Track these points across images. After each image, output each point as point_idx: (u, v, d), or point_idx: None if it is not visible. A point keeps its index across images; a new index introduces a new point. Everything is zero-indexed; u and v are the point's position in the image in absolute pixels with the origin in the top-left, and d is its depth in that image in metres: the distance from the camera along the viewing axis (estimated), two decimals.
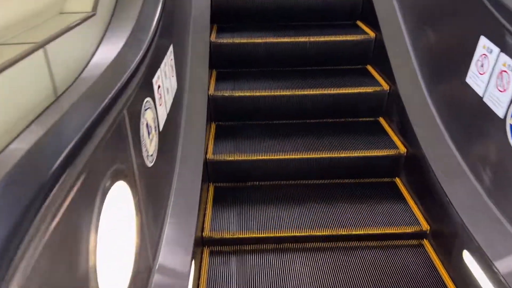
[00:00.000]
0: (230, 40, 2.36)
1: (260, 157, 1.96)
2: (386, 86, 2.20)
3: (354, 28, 2.54)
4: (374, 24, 2.39)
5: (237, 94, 2.17)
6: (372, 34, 2.38)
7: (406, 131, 1.99)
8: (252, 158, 1.97)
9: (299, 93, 2.19)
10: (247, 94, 2.18)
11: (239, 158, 1.96)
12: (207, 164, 1.94)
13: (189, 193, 1.71)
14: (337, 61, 2.46)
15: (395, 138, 2.09)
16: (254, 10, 2.61)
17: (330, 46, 2.40)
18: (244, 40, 2.37)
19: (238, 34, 2.42)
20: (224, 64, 2.44)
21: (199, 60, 2.15)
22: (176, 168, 1.71)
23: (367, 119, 2.30)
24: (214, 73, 2.43)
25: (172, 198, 1.61)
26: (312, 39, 2.37)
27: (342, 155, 1.98)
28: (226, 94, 2.17)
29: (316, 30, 2.48)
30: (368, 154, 1.99)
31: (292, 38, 2.38)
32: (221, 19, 2.61)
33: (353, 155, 1.99)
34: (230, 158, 1.96)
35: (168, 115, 1.51)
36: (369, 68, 2.47)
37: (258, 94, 2.18)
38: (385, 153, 1.99)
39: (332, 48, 2.41)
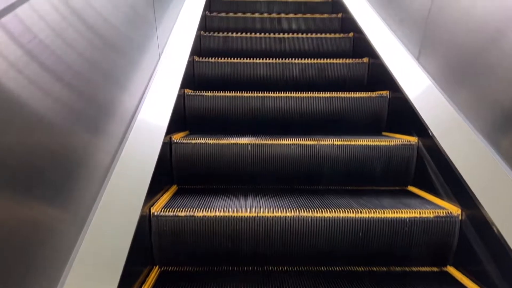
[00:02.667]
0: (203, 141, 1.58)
1: None
2: (455, 210, 1.29)
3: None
4: None
5: (200, 215, 1.26)
6: None
7: None
8: None
9: (305, 215, 1.27)
10: (220, 215, 1.26)
11: None
12: None
13: None
14: None
15: None
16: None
17: None
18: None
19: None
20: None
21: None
22: None
23: (428, 268, 1.32)
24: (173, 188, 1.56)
25: None
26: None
27: None
28: (181, 215, 1.25)
29: None
30: None
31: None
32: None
33: None
34: None
35: None
36: (411, 188, 1.61)
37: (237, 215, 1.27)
38: None
39: None
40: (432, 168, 1.50)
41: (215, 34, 2.58)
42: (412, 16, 1.94)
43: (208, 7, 2.99)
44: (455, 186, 1.32)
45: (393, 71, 1.89)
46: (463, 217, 1.27)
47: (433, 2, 1.71)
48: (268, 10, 3.05)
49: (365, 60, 2.25)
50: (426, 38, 1.78)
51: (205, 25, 2.85)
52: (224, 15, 2.93)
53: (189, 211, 1.26)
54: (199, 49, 2.54)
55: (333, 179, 1.63)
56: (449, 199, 1.37)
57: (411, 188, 1.63)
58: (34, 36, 0.80)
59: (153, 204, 1.28)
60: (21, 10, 0.75)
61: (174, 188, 1.57)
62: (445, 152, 1.38)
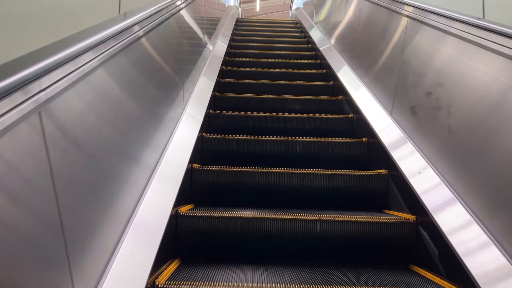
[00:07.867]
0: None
1: None
2: None
3: None
4: None
5: None
6: None
7: None
8: None
9: None
10: None
11: None
12: None
13: None
14: None
15: None
16: None
17: None
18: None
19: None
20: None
21: None
22: None
23: None
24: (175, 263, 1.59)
25: None
26: None
27: None
28: None
29: None
30: None
31: None
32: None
33: None
34: None
35: None
36: (413, 267, 1.63)
37: None
38: None
39: None
40: (431, 247, 1.53)
41: (223, 112, 2.75)
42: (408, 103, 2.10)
43: (217, 88, 3.21)
44: (454, 266, 1.35)
45: (390, 150, 2.00)
46: None
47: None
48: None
49: (364, 139, 2.38)
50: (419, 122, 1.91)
51: (214, 104, 3.04)
52: (232, 95, 3.14)
53: (193, 284, 1.29)
54: (207, 126, 2.69)
55: (334, 255, 1.66)
56: (449, 279, 1.39)
57: (413, 267, 1.64)
58: None
59: (158, 276, 1.31)
60: None
61: (178, 260, 1.60)
62: (442, 231, 1.43)
